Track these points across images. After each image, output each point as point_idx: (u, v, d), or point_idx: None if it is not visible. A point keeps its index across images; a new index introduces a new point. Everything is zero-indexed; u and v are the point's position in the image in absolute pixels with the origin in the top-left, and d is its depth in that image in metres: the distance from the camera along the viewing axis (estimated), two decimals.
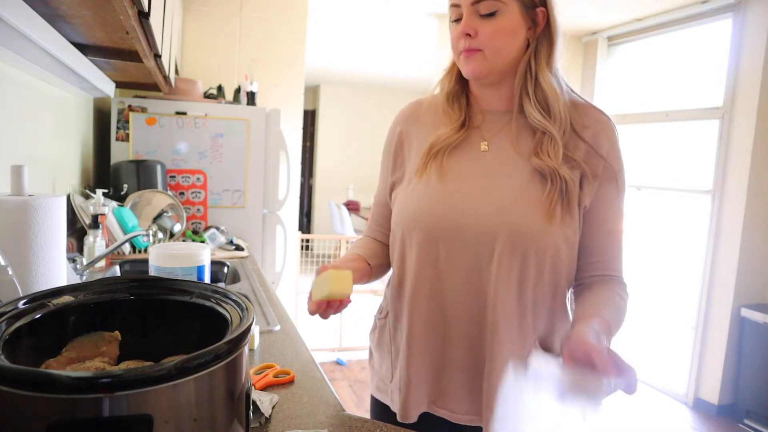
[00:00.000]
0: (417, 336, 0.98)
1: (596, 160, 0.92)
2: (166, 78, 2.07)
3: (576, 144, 0.93)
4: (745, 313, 3.17)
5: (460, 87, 1.01)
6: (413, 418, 0.98)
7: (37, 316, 0.60)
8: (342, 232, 6.14)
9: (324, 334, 4.13)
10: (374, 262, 1.07)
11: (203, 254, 1.21)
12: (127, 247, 1.99)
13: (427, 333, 0.97)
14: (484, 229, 0.91)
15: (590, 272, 0.97)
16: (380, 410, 1.07)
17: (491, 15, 0.89)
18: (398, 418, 0.99)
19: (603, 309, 0.89)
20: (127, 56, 1.57)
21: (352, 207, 6.90)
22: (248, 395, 0.58)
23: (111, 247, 1.63)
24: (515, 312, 0.92)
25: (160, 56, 1.58)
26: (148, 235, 2.03)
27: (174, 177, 2.49)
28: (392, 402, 1.04)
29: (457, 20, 0.93)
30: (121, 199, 2.18)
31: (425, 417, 0.99)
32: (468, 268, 0.93)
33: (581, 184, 0.92)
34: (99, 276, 1.68)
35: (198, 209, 2.53)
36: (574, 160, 0.92)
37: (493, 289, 0.92)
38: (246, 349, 0.57)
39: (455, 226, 0.93)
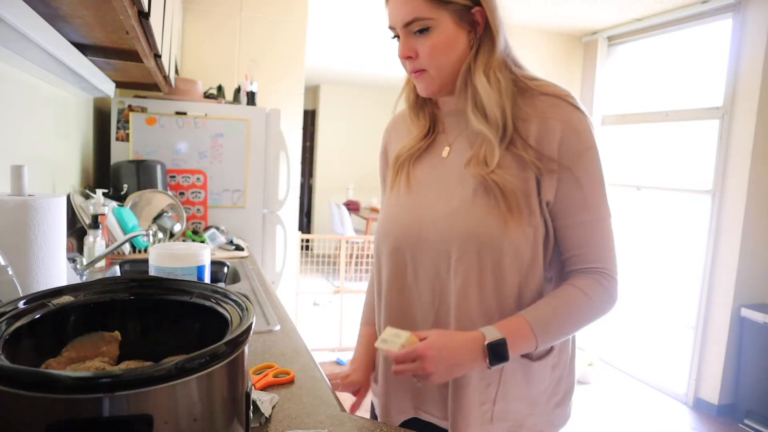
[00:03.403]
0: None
1: (548, 152, 0.88)
2: (166, 78, 2.07)
3: (525, 138, 0.89)
4: (745, 313, 3.17)
5: (421, 96, 1.00)
6: (395, 423, 1.00)
7: (37, 316, 0.60)
8: (342, 232, 6.14)
9: (324, 334, 4.13)
10: None
11: (203, 254, 1.21)
12: (127, 247, 1.99)
13: None
14: (440, 236, 0.92)
15: (571, 266, 0.93)
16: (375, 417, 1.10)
17: (425, 31, 0.88)
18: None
19: (535, 309, 0.89)
20: (127, 56, 1.57)
21: (352, 207, 6.90)
22: (248, 395, 0.58)
23: (111, 247, 1.63)
24: (478, 317, 0.91)
25: (160, 56, 1.58)
26: (148, 235, 2.03)
27: (174, 177, 2.49)
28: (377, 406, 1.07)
29: (397, 36, 0.93)
30: (121, 199, 2.18)
31: (416, 423, 1.01)
32: (430, 277, 0.94)
33: (539, 178, 0.89)
34: (99, 276, 1.68)
35: (198, 209, 2.53)
36: (523, 158, 0.88)
37: (454, 297, 0.91)
38: (246, 349, 0.57)
39: (416, 236, 0.94)
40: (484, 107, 0.89)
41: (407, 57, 0.92)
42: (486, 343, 0.85)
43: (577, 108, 0.89)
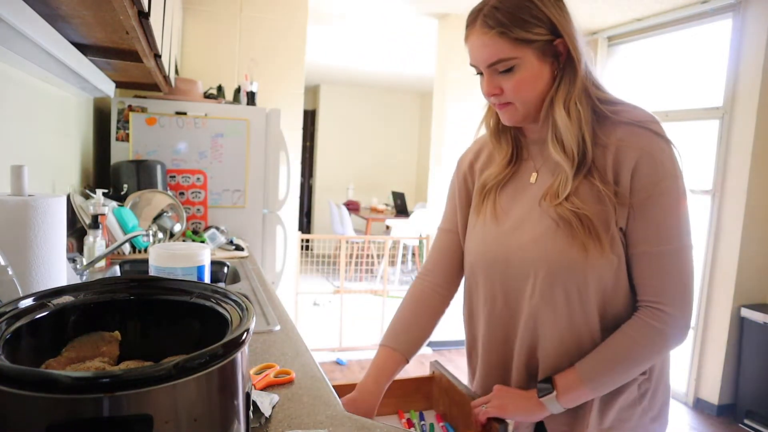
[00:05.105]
0: (486, 366, 1.06)
1: (623, 183, 0.87)
2: (166, 78, 2.07)
3: (602, 170, 0.89)
4: (745, 313, 3.17)
5: (503, 123, 1.01)
6: None
7: (37, 316, 0.60)
8: (342, 232, 6.14)
9: (324, 334, 4.13)
10: (413, 340, 1.09)
11: (203, 254, 1.21)
12: (127, 247, 1.99)
13: (496, 365, 1.04)
14: (526, 263, 0.93)
15: (636, 298, 0.93)
16: None
17: (509, 71, 0.89)
18: None
19: (588, 360, 0.91)
20: (127, 56, 1.57)
21: (352, 207, 6.90)
22: (248, 395, 0.58)
23: (111, 247, 1.63)
24: (569, 339, 0.92)
25: (160, 56, 1.58)
26: (148, 235, 2.03)
27: (174, 177, 2.49)
28: None
29: (480, 73, 0.94)
30: (121, 199, 2.18)
31: None
32: (519, 303, 0.96)
33: (615, 206, 0.89)
34: (99, 276, 1.68)
35: (198, 209, 2.53)
36: (599, 190, 0.88)
37: (544, 321, 0.93)
38: (246, 349, 0.57)
39: (504, 262, 0.97)
40: (563, 140, 0.90)
41: (492, 94, 0.93)
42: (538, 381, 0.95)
43: (658, 134, 0.89)
